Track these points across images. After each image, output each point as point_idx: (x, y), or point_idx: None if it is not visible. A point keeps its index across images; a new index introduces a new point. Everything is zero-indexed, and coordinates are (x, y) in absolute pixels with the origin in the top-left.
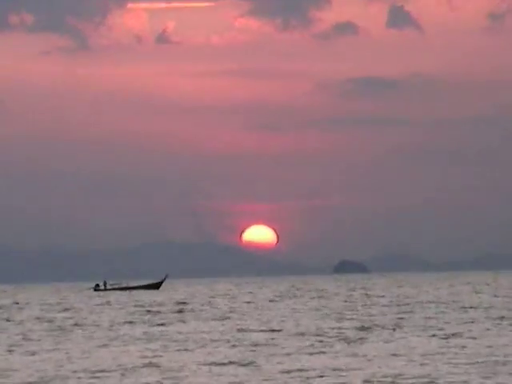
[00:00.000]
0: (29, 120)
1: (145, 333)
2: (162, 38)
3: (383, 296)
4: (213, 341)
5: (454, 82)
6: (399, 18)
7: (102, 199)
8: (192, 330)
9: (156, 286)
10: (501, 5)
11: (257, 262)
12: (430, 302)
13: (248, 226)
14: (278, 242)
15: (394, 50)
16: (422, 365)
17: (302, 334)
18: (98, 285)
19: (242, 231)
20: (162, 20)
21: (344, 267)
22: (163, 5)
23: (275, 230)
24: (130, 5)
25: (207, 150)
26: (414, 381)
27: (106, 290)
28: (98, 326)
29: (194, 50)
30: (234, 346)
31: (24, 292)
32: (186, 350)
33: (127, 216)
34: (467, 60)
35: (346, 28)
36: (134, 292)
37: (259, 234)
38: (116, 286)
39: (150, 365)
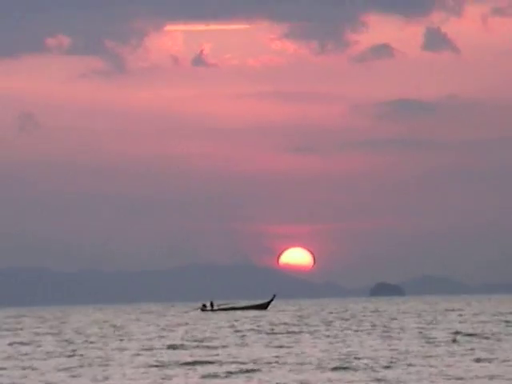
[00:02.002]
0: (65, 143)
1: None
2: (199, 60)
3: None
4: None
5: (490, 104)
6: (435, 40)
7: (141, 222)
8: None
9: (264, 306)
10: None
11: (294, 285)
12: None
13: (285, 248)
14: (314, 264)
15: (430, 72)
16: None
17: None
18: (204, 305)
19: (279, 253)
20: (199, 42)
21: (380, 290)
22: (200, 27)
23: (312, 252)
24: (167, 27)
25: (244, 172)
26: None
27: (213, 310)
28: None
29: (230, 73)
30: None
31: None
32: None
33: (166, 238)
34: (504, 82)
35: (382, 50)
36: (243, 312)
37: (296, 257)
38: (223, 307)
39: None
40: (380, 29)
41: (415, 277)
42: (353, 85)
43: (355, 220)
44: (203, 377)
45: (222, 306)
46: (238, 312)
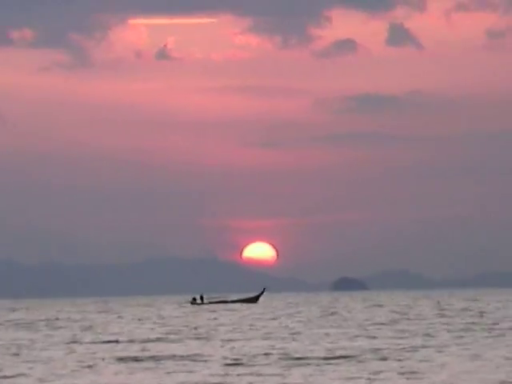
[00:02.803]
0: (27, 135)
1: None
2: (163, 54)
3: None
4: None
5: (453, 98)
6: (399, 35)
7: (100, 214)
8: None
9: (254, 299)
10: (499, 22)
11: (256, 279)
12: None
13: (248, 242)
14: (277, 258)
15: (393, 67)
16: None
17: None
18: (194, 298)
19: (242, 248)
20: (163, 36)
21: (343, 284)
22: (164, 21)
23: (275, 247)
24: (130, 20)
25: (207, 166)
26: None
27: (203, 303)
28: None
29: (194, 66)
30: None
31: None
32: None
33: (128, 232)
34: (466, 77)
35: (345, 45)
36: (234, 306)
37: (259, 251)
38: (213, 300)
39: None
40: (343, 24)
41: (377, 271)
42: (317, 79)
43: (318, 215)
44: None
45: (212, 300)
46: (229, 305)
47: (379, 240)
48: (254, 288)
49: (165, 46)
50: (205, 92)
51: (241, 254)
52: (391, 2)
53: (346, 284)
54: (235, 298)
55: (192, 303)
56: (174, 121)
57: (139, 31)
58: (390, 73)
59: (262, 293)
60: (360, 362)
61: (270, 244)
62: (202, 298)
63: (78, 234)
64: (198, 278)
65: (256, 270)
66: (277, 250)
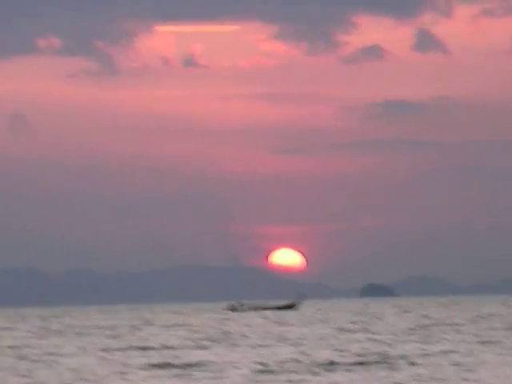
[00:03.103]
0: (54, 142)
1: None
2: (189, 61)
3: None
4: None
5: (481, 105)
6: (426, 41)
7: (127, 222)
8: None
9: (293, 306)
10: None
11: (284, 285)
12: None
13: (275, 248)
14: (305, 264)
15: (420, 73)
16: None
17: None
18: (234, 305)
19: (269, 254)
20: (189, 43)
21: (371, 290)
22: (191, 28)
23: (303, 253)
24: (157, 28)
25: (235, 173)
26: None
27: (243, 310)
28: None
29: (221, 73)
30: None
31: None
32: None
33: (154, 239)
34: (494, 82)
35: (372, 51)
36: (274, 313)
37: (286, 257)
38: (252, 306)
39: None
40: (370, 30)
41: (405, 277)
42: (343, 86)
43: (344, 221)
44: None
45: (251, 306)
46: (268, 312)
47: (405, 245)
48: (281, 295)
49: (191, 53)
50: (231, 99)
51: (267, 260)
52: (418, 7)
53: (373, 290)
54: (273, 305)
55: (231, 309)
56: (201, 128)
57: (166, 38)
58: (417, 79)
59: (301, 300)
60: None
61: (297, 250)
62: (242, 304)
63: (102, 242)
64: (224, 284)
65: (283, 276)
66: (304, 256)
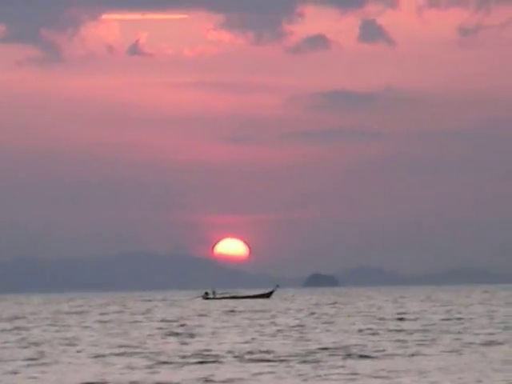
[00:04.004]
0: (2, 129)
1: None
2: (135, 50)
3: None
4: None
5: (425, 95)
6: (371, 31)
7: (74, 209)
8: None
9: (267, 295)
10: (471, 19)
11: (228, 275)
12: None
13: (220, 238)
14: (249, 254)
15: (365, 63)
16: None
17: None
18: (207, 293)
19: (214, 243)
20: (135, 31)
21: (315, 280)
22: (137, 16)
23: (247, 243)
24: (103, 16)
25: (179, 162)
26: None
27: (215, 298)
28: None
29: (166, 62)
30: None
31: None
32: None
33: (100, 226)
34: (438, 73)
35: (318, 41)
36: (245, 301)
37: (231, 247)
38: (226, 295)
39: None
40: (316, 20)
41: (350, 268)
42: (289, 75)
43: (290, 211)
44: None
45: (224, 295)
46: (241, 300)
47: (352, 237)
48: (226, 284)
49: (137, 41)
50: (177, 87)
51: (212, 249)
52: None
53: (318, 280)
54: (247, 294)
55: (204, 297)
56: (146, 116)
57: (111, 26)
58: (362, 69)
59: (275, 290)
60: None
61: (242, 240)
62: (214, 292)
63: (50, 229)
64: (169, 273)
65: (228, 265)
66: (249, 247)
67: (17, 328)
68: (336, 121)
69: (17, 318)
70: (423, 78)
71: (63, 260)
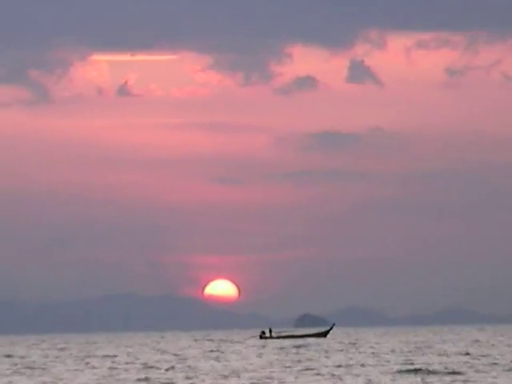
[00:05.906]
0: None
1: None
2: (123, 91)
3: None
4: None
5: (412, 136)
6: (359, 72)
7: (60, 251)
8: None
9: (323, 334)
10: (458, 60)
11: (218, 316)
12: None
13: (209, 278)
14: (239, 295)
15: (354, 104)
16: None
17: None
18: (263, 332)
19: (204, 284)
20: (124, 72)
21: (305, 321)
22: (126, 57)
23: (236, 283)
24: (92, 57)
25: (168, 203)
26: None
27: (272, 337)
28: None
29: (154, 103)
30: None
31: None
32: None
33: (88, 268)
34: (426, 114)
35: (306, 82)
36: (303, 340)
37: (221, 288)
38: (283, 334)
39: None
40: (304, 61)
41: (340, 308)
42: (277, 116)
43: (280, 251)
44: None
45: (281, 334)
46: (298, 340)
47: (340, 276)
48: (216, 325)
49: (125, 82)
50: (165, 129)
51: (202, 290)
52: (352, 39)
53: (308, 320)
54: (303, 333)
55: (261, 337)
56: (135, 157)
57: (100, 67)
58: (350, 110)
59: (331, 328)
60: None
61: (231, 281)
62: (270, 331)
63: (35, 271)
64: (158, 314)
65: (218, 306)
66: (238, 287)
67: None
68: (324, 161)
69: None
70: (411, 119)
71: (51, 302)
